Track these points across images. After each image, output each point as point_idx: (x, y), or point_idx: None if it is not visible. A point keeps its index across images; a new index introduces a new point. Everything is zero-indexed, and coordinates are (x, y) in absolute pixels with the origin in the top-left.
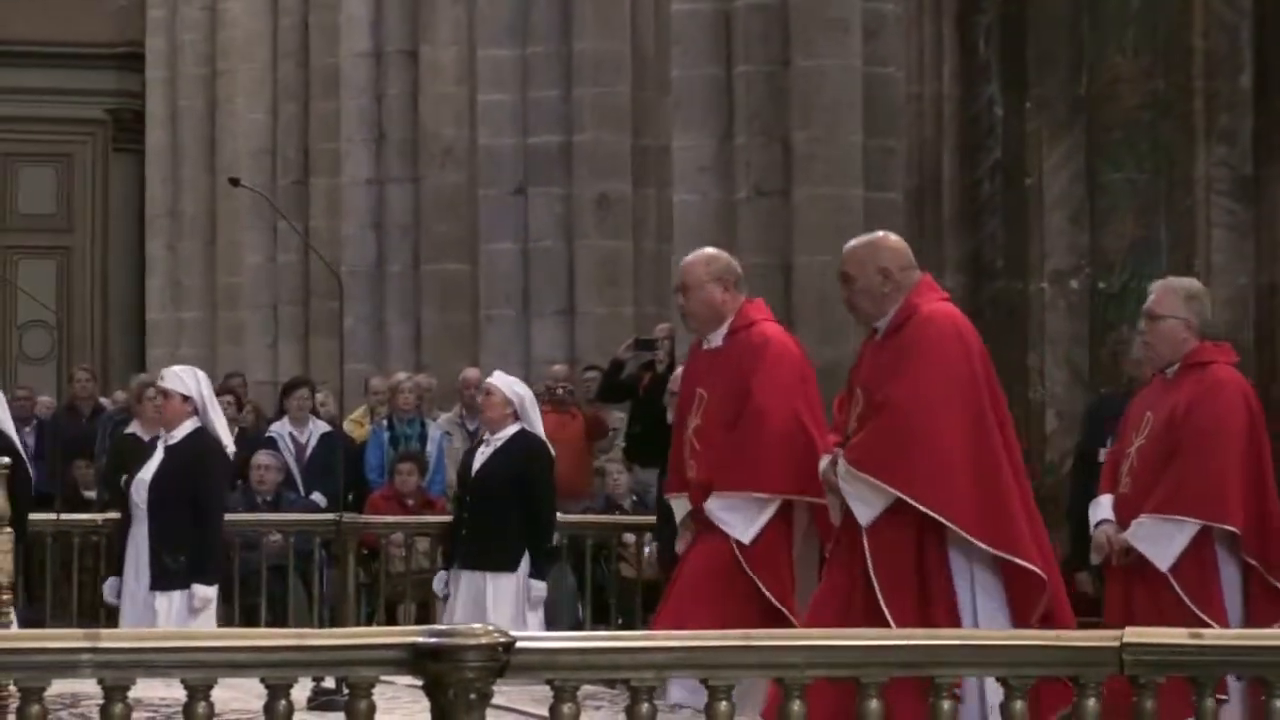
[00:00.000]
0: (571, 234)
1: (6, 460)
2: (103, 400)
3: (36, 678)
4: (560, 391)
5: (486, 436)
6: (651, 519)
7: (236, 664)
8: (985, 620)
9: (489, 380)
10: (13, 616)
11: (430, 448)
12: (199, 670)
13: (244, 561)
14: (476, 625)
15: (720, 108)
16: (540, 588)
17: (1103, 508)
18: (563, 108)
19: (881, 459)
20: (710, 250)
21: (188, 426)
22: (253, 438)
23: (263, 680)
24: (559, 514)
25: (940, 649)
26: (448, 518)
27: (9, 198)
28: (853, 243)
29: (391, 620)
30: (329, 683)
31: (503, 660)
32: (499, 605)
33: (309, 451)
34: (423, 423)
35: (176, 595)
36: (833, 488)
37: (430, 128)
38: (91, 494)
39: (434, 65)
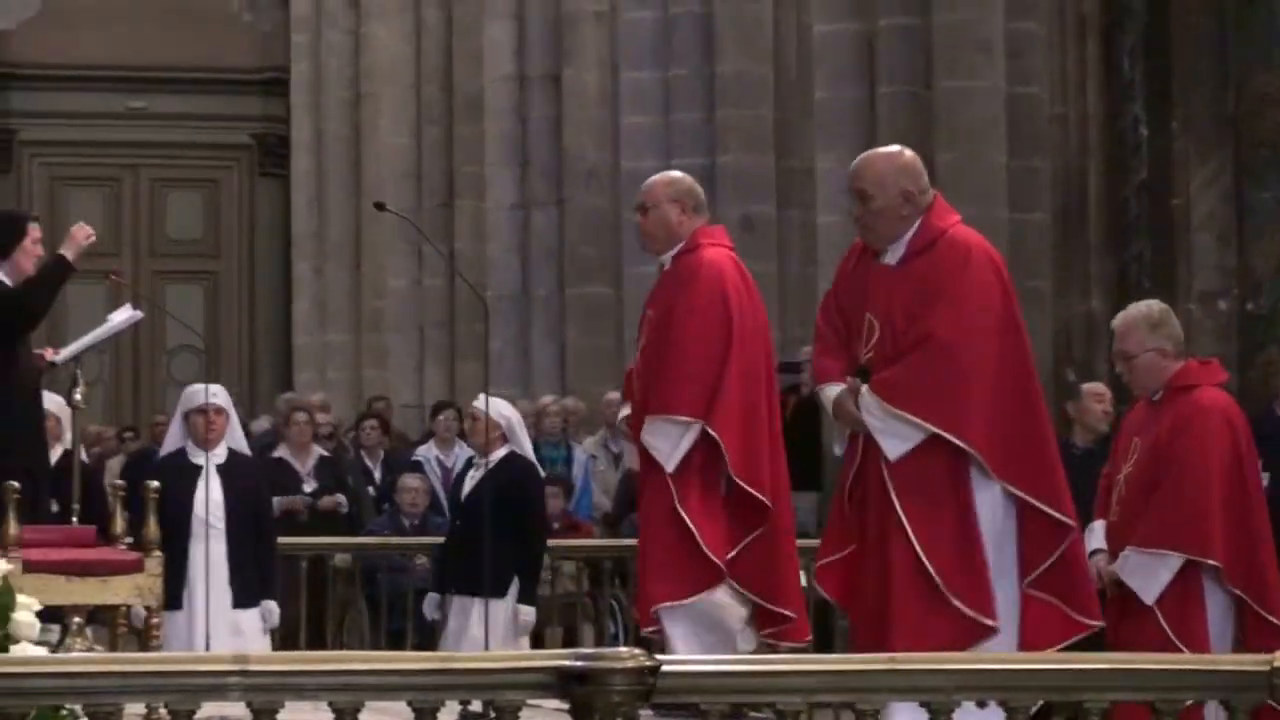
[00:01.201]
0: None
1: (155, 484)
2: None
3: (186, 700)
4: None
5: (476, 460)
6: (800, 542)
7: (384, 687)
8: (999, 559)
9: (473, 405)
10: (162, 639)
11: (576, 471)
12: (347, 693)
13: (391, 584)
14: (623, 649)
15: (863, 129)
16: (529, 613)
17: (1096, 536)
18: (706, 130)
19: (926, 397)
20: (675, 173)
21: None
22: (398, 461)
23: (410, 703)
24: None
25: (1089, 674)
26: (594, 541)
27: (157, 223)
28: (868, 156)
29: (537, 644)
30: (475, 706)
31: (649, 684)
32: (490, 630)
33: (455, 475)
34: (569, 446)
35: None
36: (849, 418)
37: (574, 151)
38: None
39: (577, 89)
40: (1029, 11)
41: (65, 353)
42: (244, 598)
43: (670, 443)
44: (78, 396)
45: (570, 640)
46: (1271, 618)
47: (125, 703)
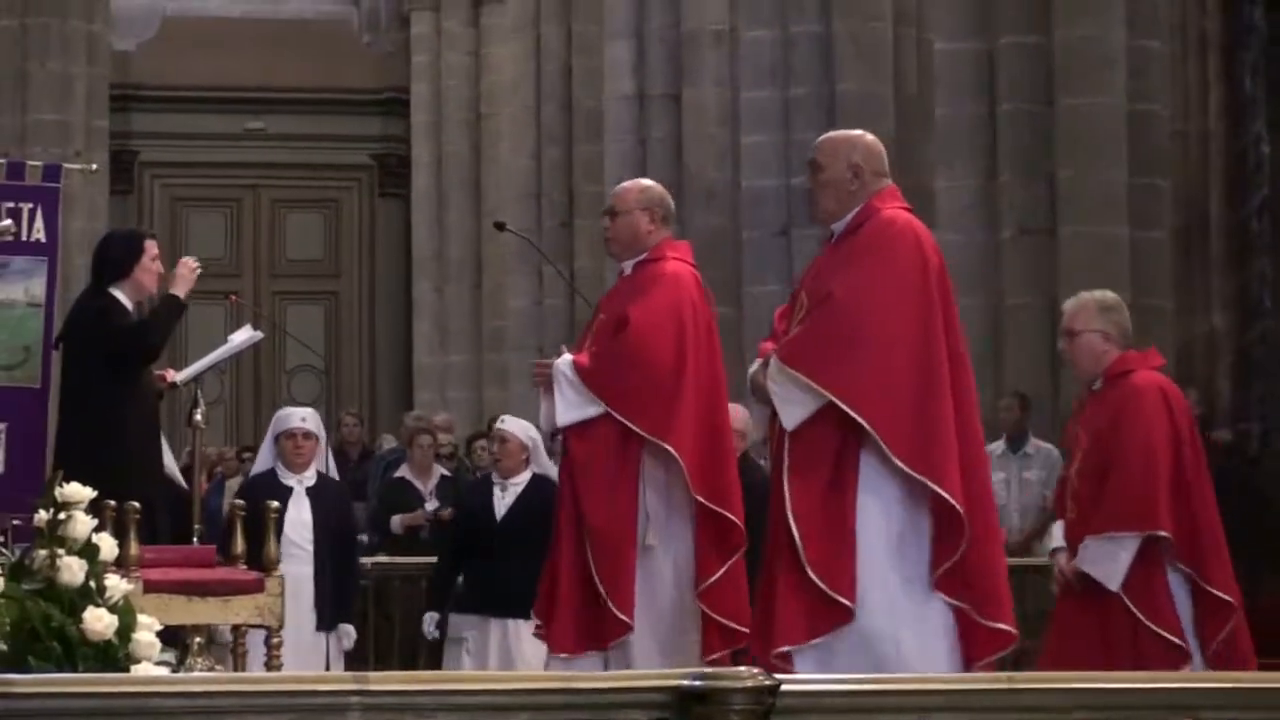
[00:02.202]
0: None
1: (276, 504)
2: (373, 444)
3: None
4: None
5: (500, 481)
6: None
7: (502, 707)
8: (893, 544)
9: (502, 427)
10: (283, 659)
11: None
12: (465, 713)
13: None
14: (742, 668)
15: (984, 146)
16: (351, 631)
17: (1055, 536)
18: None
19: (817, 357)
20: (648, 181)
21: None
22: None
23: None
24: None
25: (1212, 693)
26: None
27: (278, 244)
28: (830, 133)
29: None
30: None
31: (768, 703)
32: (530, 652)
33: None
34: None
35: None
36: (761, 393)
37: (693, 170)
38: (363, 537)
39: (697, 107)
40: (1150, 28)
41: (185, 373)
42: (324, 620)
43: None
44: (198, 417)
45: None
46: (1218, 592)
47: None
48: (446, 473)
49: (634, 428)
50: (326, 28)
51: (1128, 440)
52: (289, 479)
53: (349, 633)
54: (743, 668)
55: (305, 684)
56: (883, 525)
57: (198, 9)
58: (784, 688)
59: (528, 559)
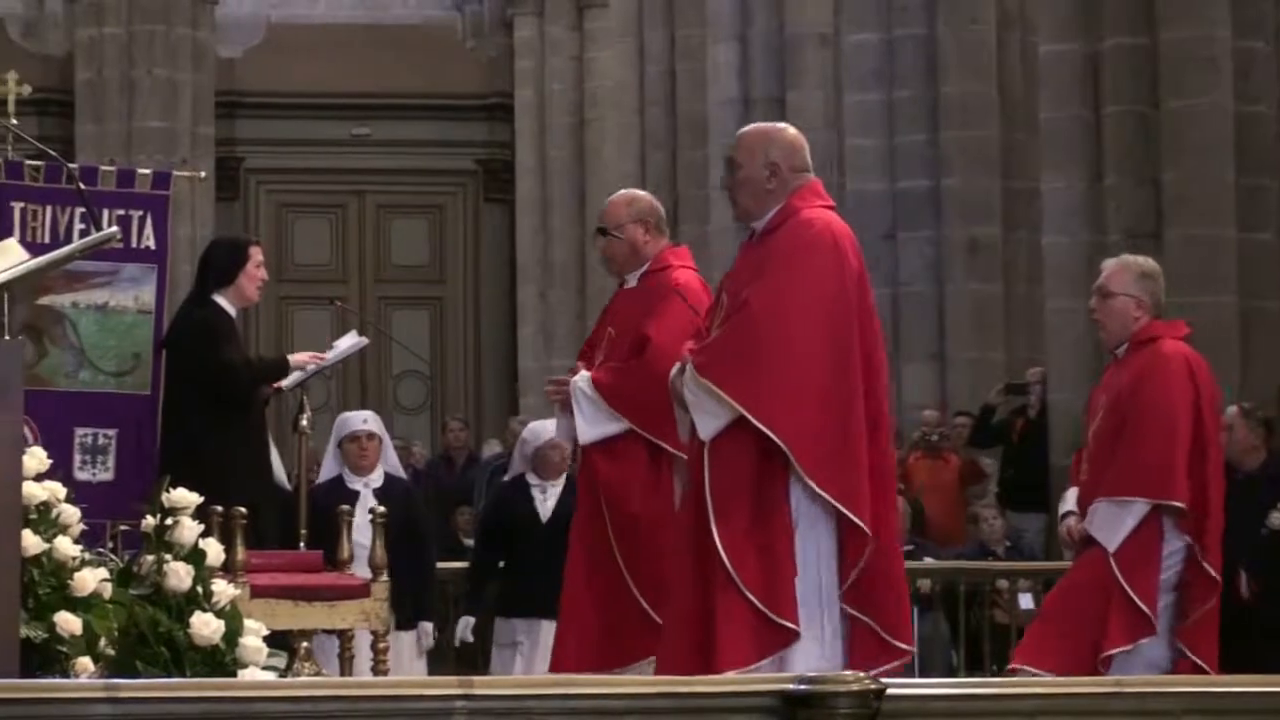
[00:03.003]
0: (942, 278)
1: (347, 507)
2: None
3: None
4: (934, 437)
5: (539, 483)
6: (1026, 564)
7: (608, 710)
8: (814, 564)
9: (536, 427)
10: (389, 664)
11: None
12: (570, 717)
13: None
14: (848, 673)
15: (1089, 149)
16: (429, 629)
17: (1067, 501)
18: (930, 152)
19: (729, 368)
20: (633, 190)
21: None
22: None
23: None
24: (930, 559)
25: None
26: None
27: (383, 249)
28: (747, 128)
29: None
30: None
31: (874, 707)
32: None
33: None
34: None
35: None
36: (679, 398)
37: None
38: (470, 541)
39: (801, 111)
40: (1256, 29)
41: (292, 379)
42: (401, 620)
43: None
44: (304, 422)
45: None
46: (1210, 568)
47: None
48: None
49: (667, 446)
50: (431, 33)
51: (1148, 405)
52: (355, 483)
53: (428, 631)
54: (848, 671)
55: (410, 689)
56: (811, 543)
57: (303, 15)
58: (890, 691)
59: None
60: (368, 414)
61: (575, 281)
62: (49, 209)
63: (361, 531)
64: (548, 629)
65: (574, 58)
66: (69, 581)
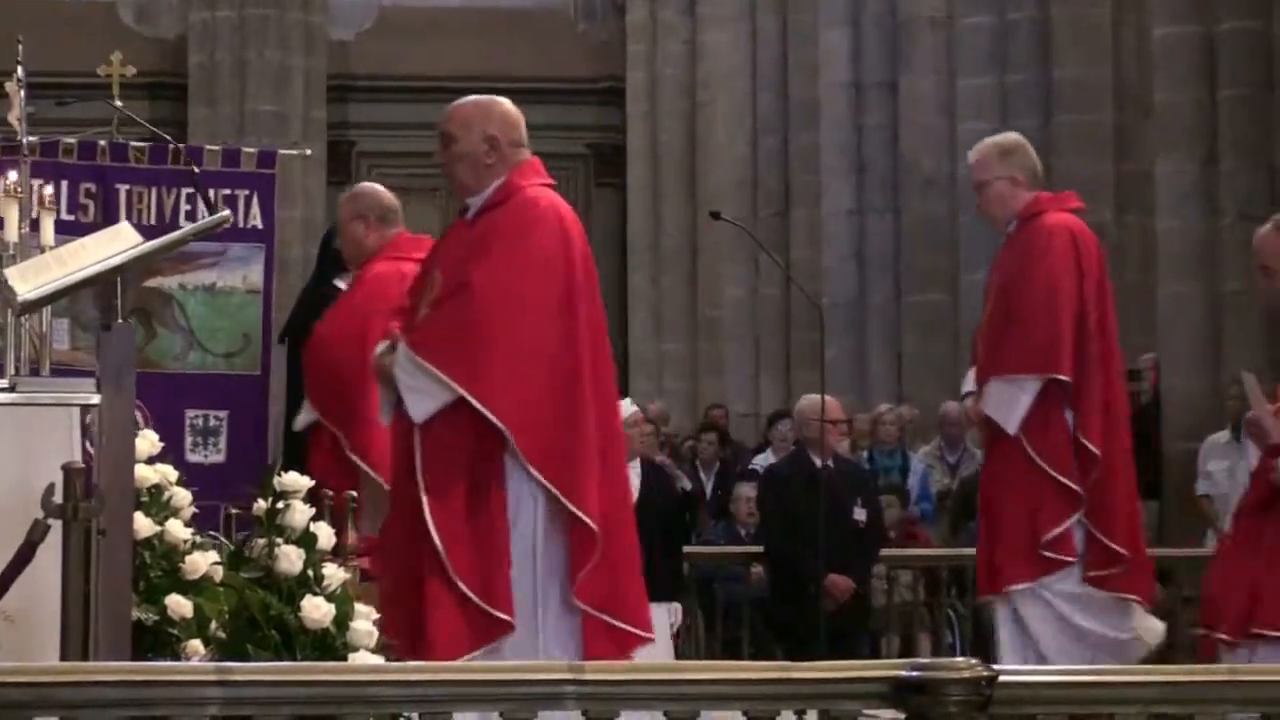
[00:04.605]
0: None
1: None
2: None
3: (522, 709)
4: None
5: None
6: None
7: (720, 696)
8: (530, 553)
9: (635, 412)
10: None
11: (912, 480)
12: (683, 703)
13: (728, 594)
14: (960, 659)
15: (1205, 132)
16: (678, 609)
17: (967, 381)
18: (1044, 135)
19: (448, 348)
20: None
21: None
22: (734, 471)
23: (745, 713)
24: None
25: None
26: (931, 550)
27: None
28: (460, 100)
29: (874, 654)
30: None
31: (986, 694)
32: (664, 636)
33: None
34: (904, 454)
35: None
36: (386, 377)
37: (910, 158)
38: None
39: (913, 95)
40: None
41: None
42: None
43: None
44: None
45: (907, 650)
46: (1089, 444)
47: (461, 711)
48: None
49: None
50: (542, 17)
51: (1032, 283)
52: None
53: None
54: (960, 658)
55: (520, 673)
56: (529, 533)
57: None
58: (1002, 678)
59: (656, 541)
60: None
61: (686, 266)
62: (155, 190)
63: None
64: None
65: (686, 41)
66: (180, 564)
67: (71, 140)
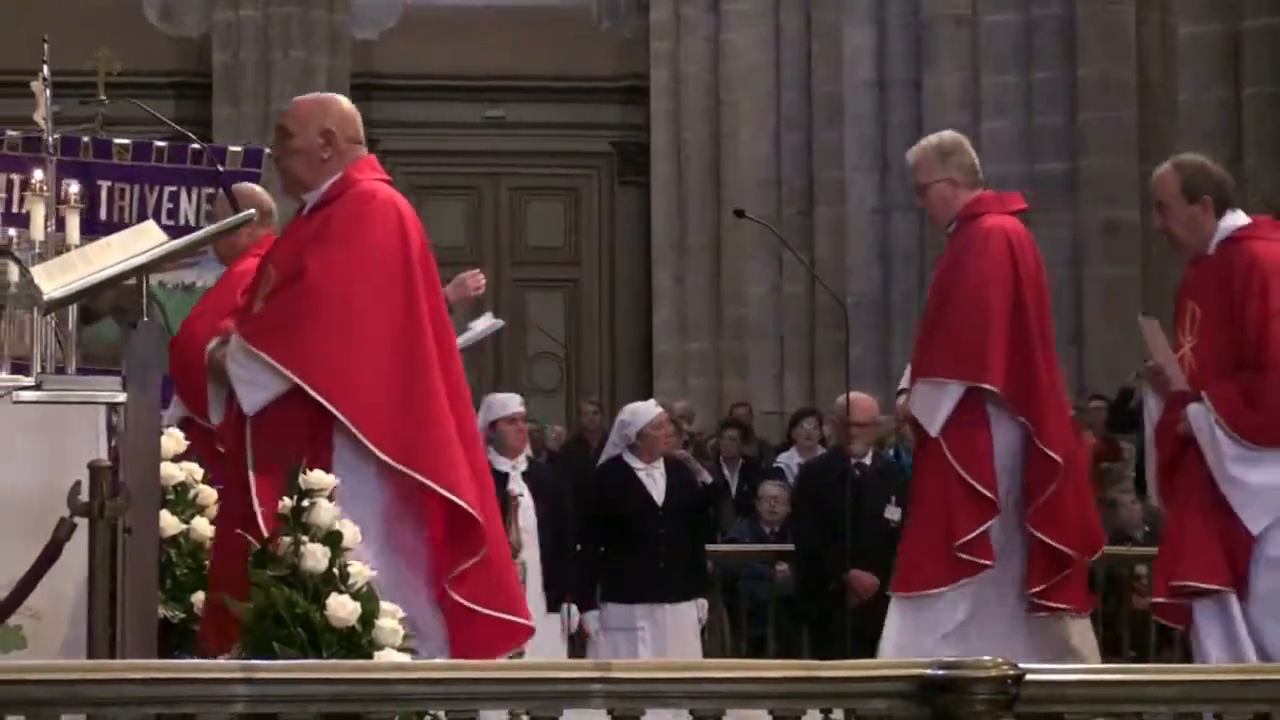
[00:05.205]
0: (1079, 261)
1: (515, 489)
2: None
3: (547, 708)
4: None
5: (643, 466)
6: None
7: (746, 695)
8: (383, 546)
9: (660, 413)
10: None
11: None
12: (708, 701)
13: (752, 593)
14: (985, 658)
15: (1229, 131)
16: (704, 605)
17: (905, 377)
18: (1068, 134)
19: (281, 336)
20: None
21: None
22: (758, 469)
23: (771, 712)
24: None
25: None
26: None
27: (519, 231)
28: (299, 97)
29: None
30: (838, 714)
31: (1012, 693)
32: (693, 634)
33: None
34: None
35: None
36: (218, 372)
37: None
38: None
39: (937, 93)
40: None
41: None
42: (553, 602)
43: None
44: None
45: None
46: (1048, 450)
47: (487, 709)
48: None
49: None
50: (565, 15)
51: (962, 285)
52: (503, 465)
53: (574, 611)
54: (986, 657)
55: (547, 671)
56: (370, 528)
57: None
58: (1029, 677)
59: (688, 539)
60: (514, 395)
61: (710, 265)
62: (136, 187)
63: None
64: (671, 612)
65: (710, 39)
66: (206, 562)
67: (87, 139)
